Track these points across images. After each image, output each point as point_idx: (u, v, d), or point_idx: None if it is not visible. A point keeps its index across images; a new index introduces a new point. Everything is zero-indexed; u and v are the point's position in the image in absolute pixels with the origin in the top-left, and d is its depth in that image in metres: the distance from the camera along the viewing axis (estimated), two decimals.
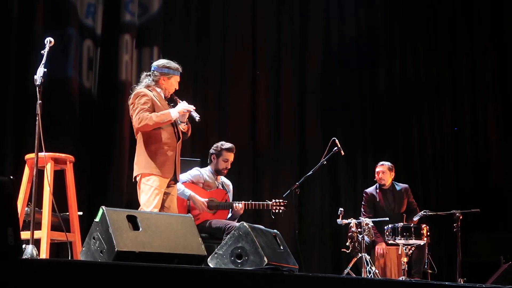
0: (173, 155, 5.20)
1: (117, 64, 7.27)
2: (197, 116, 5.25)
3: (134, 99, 5.20)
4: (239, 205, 6.13)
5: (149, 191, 5.10)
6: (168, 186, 5.25)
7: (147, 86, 5.29)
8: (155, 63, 5.38)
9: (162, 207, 5.19)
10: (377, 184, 7.60)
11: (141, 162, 5.17)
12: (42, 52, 4.56)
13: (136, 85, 5.43)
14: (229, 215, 6.27)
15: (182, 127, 5.35)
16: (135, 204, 5.57)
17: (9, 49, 6.51)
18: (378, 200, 7.50)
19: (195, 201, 6.04)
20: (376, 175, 7.59)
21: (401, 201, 7.52)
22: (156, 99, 5.22)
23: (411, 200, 7.61)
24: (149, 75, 5.34)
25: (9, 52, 6.51)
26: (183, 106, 5.23)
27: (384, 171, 7.53)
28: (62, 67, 6.77)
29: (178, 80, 5.37)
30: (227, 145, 6.33)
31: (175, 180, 5.30)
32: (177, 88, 5.38)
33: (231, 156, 6.29)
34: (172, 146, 5.21)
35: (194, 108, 5.27)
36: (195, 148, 7.77)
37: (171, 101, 5.38)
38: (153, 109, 5.16)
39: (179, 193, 6.01)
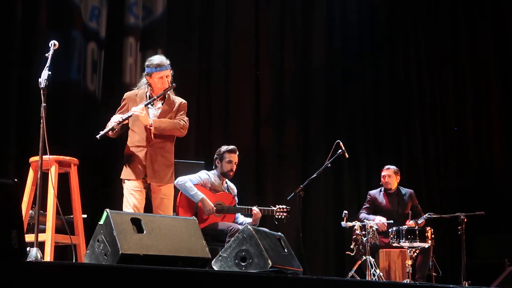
0: (144, 156, 5.12)
1: (121, 67, 7.29)
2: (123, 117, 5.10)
3: None
4: (257, 211, 6.18)
5: (126, 194, 5.17)
6: (152, 188, 5.18)
7: (140, 86, 5.33)
8: None
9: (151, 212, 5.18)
10: (382, 187, 7.59)
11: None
12: (46, 55, 4.56)
13: None
14: (248, 219, 6.27)
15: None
16: None
17: (13, 52, 6.52)
18: (380, 202, 7.49)
19: (205, 204, 6.02)
20: (382, 179, 7.58)
21: (405, 205, 7.51)
22: (137, 98, 5.21)
23: (416, 204, 7.60)
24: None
25: (13, 55, 6.53)
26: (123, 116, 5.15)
27: (390, 174, 7.53)
28: (66, 70, 6.78)
29: (161, 75, 5.20)
30: (229, 147, 6.36)
31: (157, 181, 5.16)
32: (165, 83, 5.21)
33: (234, 157, 6.30)
34: (143, 146, 5.13)
35: (131, 114, 5.08)
36: (199, 150, 7.78)
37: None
38: (127, 109, 5.20)
39: (192, 194, 6.03)
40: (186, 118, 5.30)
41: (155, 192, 5.20)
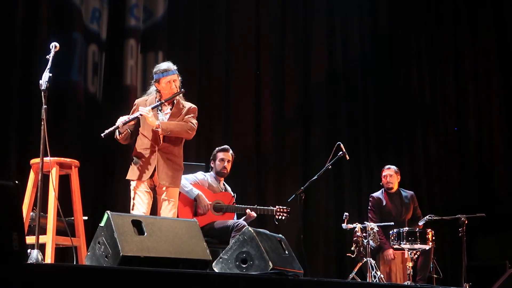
0: (153, 158, 5.18)
1: (122, 68, 7.29)
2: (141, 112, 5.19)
3: None
4: (253, 213, 6.23)
5: (131, 195, 5.23)
6: (158, 190, 5.26)
7: (150, 93, 5.41)
8: None
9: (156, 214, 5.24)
10: (383, 188, 7.59)
11: None
12: (47, 57, 4.56)
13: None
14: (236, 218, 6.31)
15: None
16: None
17: (14, 54, 6.53)
18: (384, 203, 7.47)
19: (200, 200, 6.05)
20: (383, 179, 7.58)
21: (408, 207, 7.50)
22: (147, 104, 5.29)
23: (416, 206, 7.60)
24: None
25: (14, 57, 6.53)
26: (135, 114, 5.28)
27: (391, 174, 7.53)
28: (67, 72, 6.78)
29: (168, 80, 5.28)
30: (221, 147, 6.46)
31: (167, 183, 5.20)
32: (172, 88, 5.29)
33: (225, 155, 6.34)
34: (152, 149, 5.19)
35: (137, 115, 5.20)
36: (200, 152, 7.77)
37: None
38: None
39: (187, 191, 6.06)
40: (194, 121, 5.35)
41: (160, 194, 5.26)
